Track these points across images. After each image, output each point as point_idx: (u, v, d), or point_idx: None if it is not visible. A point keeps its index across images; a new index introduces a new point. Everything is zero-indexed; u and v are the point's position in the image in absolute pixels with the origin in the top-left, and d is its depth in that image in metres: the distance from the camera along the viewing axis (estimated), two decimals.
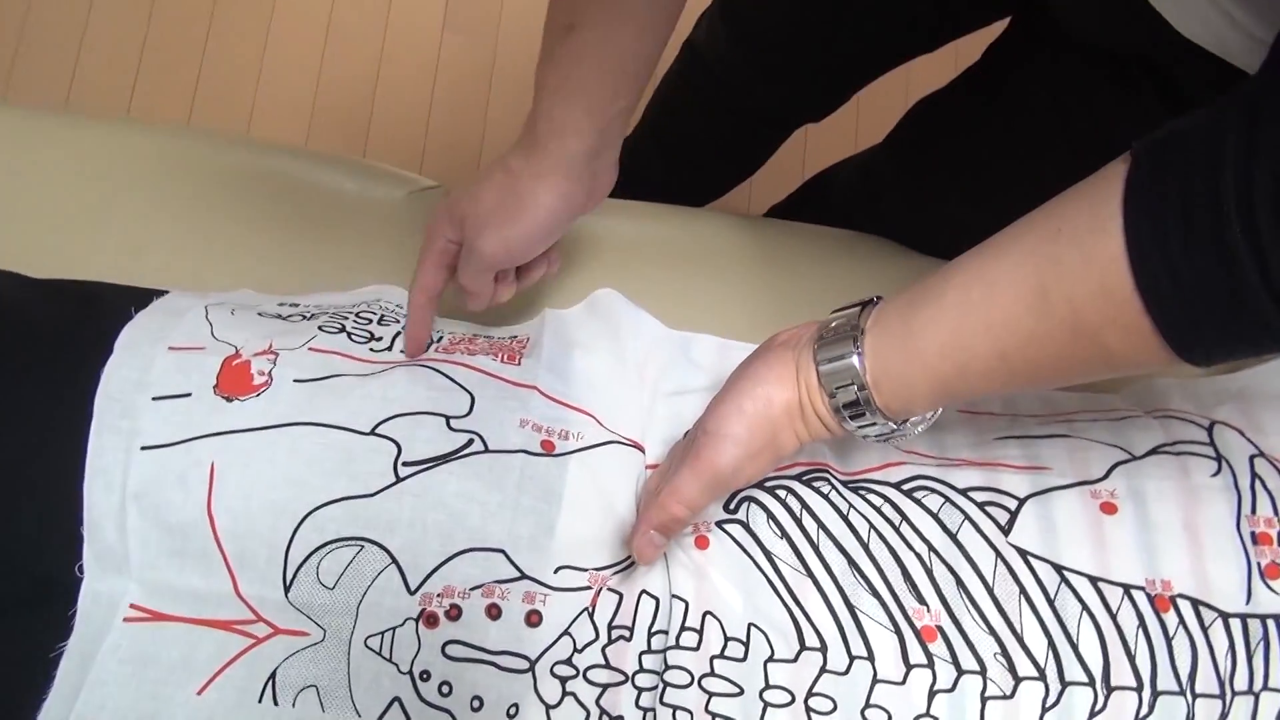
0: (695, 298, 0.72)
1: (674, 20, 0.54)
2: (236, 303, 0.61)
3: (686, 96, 0.93)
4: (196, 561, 0.51)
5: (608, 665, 0.51)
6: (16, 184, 0.73)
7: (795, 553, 0.52)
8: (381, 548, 0.51)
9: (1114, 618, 0.49)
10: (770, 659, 0.50)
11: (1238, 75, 0.51)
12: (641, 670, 0.51)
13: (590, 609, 0.52)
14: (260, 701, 0.50)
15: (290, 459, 0.52)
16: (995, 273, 0.44)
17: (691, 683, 0.50)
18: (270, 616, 0.51)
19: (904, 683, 0.49)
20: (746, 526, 0.53)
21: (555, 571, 0.52)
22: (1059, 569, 0.50)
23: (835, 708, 0.49)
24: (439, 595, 0.51)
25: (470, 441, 0.53)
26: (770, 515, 0.53)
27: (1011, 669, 0.49)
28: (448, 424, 0.54)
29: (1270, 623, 0.48)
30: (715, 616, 0.51)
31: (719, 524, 0.53)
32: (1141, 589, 0.49)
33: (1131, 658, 0.48)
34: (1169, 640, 0.49)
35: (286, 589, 0.51)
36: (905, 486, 0.54)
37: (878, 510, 0.53)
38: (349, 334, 0.58)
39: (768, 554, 0.52)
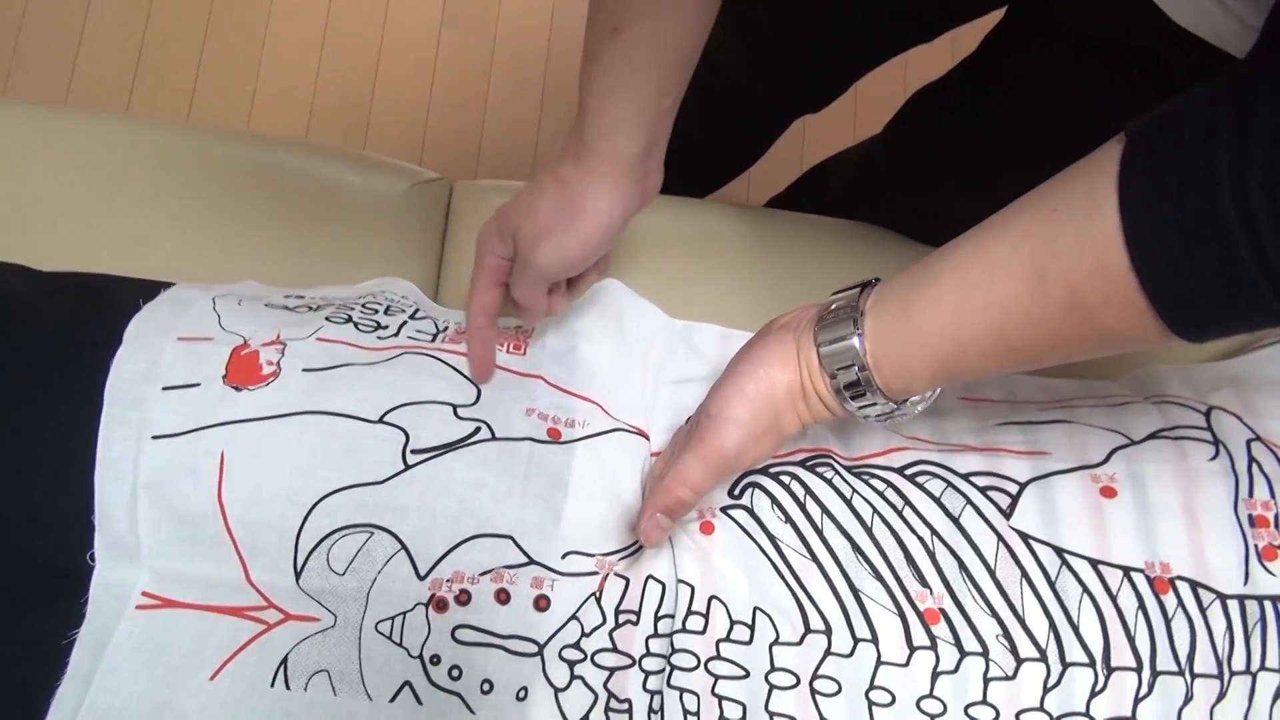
0: (696, 287, 0.72)
1: (715, 11, 0.54)
2: (243, 294, 0.62)
3: (685, 88, 0.94)
4: (207, 550, 0.52)
5: (615, 649, 0.52)
6: (18, 178, 0.73)
7: (799, 537, 0.53)
8: (391, 534, 0.51)
9: (1114, 599, 0.50)
10: (775, 642, 0.51)
11: (1231, 62, 0.51)
12: (648, 654, 0.52)
13: (597, 594, 0.53)
14: (272, 686, 0.51)
15: (299, 448, 0.52)
16: (993, 253, 0.45)
17: (698, 666, 0.51)
18: (281, 603, 0.51)
19: (907, 664, 0.50)
20: (751, 511, 0.54)
21: (563, 557, 0.53)
22: (1060, 552, 0.51)
23: (840, 689, 0.50)
24: (448, 581, 0.51)
25: (477, 429, 0.54)
26: (774, 500, 0.54)
27: (1013, 650, 0.50)
28: (455, 412, 0.54)
29: (1267, 604, 0.49)
30: (721, 600, 0.51)
31: (723, 509, 0.54)
32: (1141, 571, 0.50)
33: (1131, 639, 0.49)
34: (1168, 621, 0.49)
35: (297, 575, 0.51)
36: (908, 471, 0.54)
37: (880, 495, 0.53)
38: (355, 324, 0.59)
39: (772, 538, 0.53)
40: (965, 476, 0.54)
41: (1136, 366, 0.66)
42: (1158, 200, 0.39)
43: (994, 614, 0.50)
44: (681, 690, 0.50)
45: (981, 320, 0.45)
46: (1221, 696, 0.48)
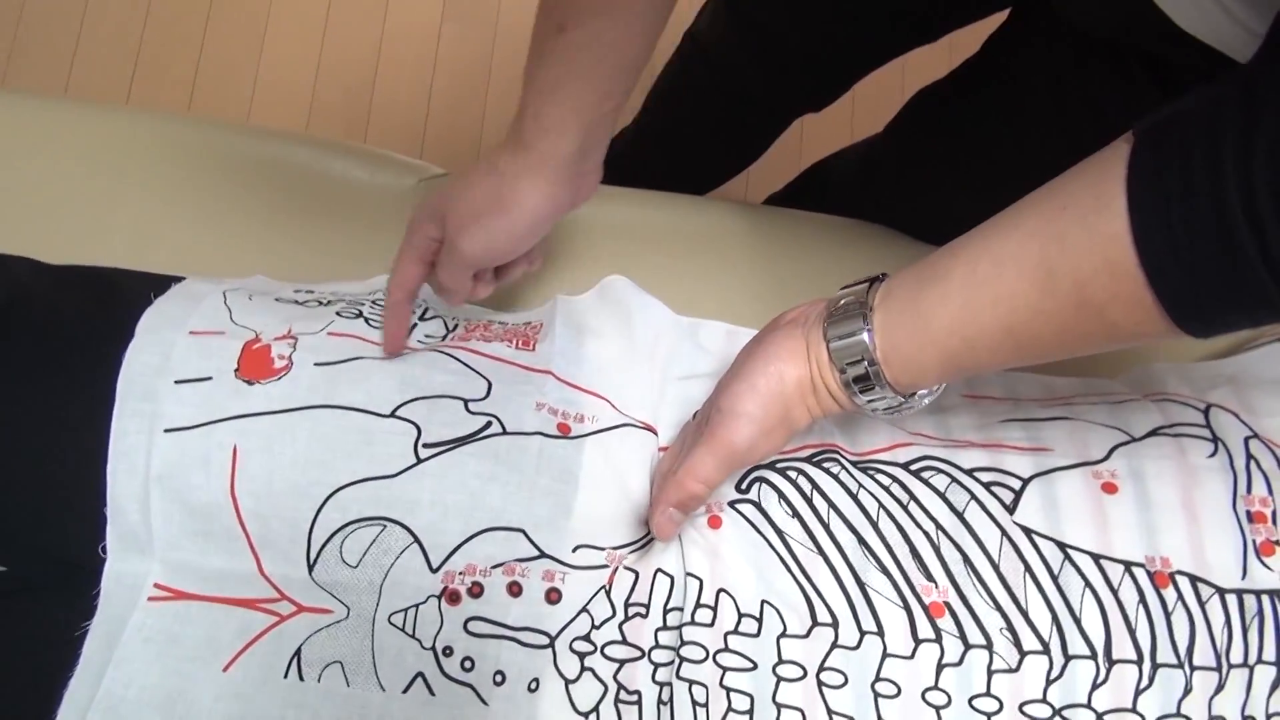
0: (700, 283, 0.73)
1: (664, 23, 0.54)
2: (253, 289, 0.62)
3: (687, 86, 0.94)
4: (220, 542, 0.52)
5: (625, 641, 0.52)
6: (24, 170, 0.73)
7: (806, 531, 0.53)
8: (404, 527, 0.52)
9: (1115, 593, 0.50)
10: (783, 634, 0.51)
11: (1233, 67, 0.52)
12: (658, 646, 0.52)
13: (607, 587, 0.53)
14: (286, 677, 0.51)
15: (311, 441, 0.52)
16: (1001, 250, 0.45)
17: (706, 658, 0.51)
18: (294, 595, 0.52)
19: (913, 657, 0.51)
20: (758, 506, 0.54)
21: (574, 550, 0.53)
22: (1062, 546, 0.51)
23: (846, 681, 0.51)
24: (461, 573, 0.52)
25: (488, 424, 0.54)
26: (781, 495, 0.54)
27: (1017, 643, 0.50)
28: (466, 407, 0.55)
29: (1265, 598, 0.50)
30: (729, 594, 0.52)
31: (731, 504, 0.54)
32: (1142, 566, 0.51)
33: (1132, 632, 0.50)
34: (1168, 615, 0.50)
35: (310, 568, 0.52)
36: (913, 467, 0.55)
37: (886, 490, 0.54)
38: (366, 319, 0.59)
39: (780, 533, 0.53)
40: (969, 472, 0.54)
41: (1136, 365, 0.66)
42: (1165, 199, 0.40)
43: (998, 607, 0.51)
44: (690, 682, 0.51)
45: (990, 316, 0.45)
46: (1220, 688, 0.49)
